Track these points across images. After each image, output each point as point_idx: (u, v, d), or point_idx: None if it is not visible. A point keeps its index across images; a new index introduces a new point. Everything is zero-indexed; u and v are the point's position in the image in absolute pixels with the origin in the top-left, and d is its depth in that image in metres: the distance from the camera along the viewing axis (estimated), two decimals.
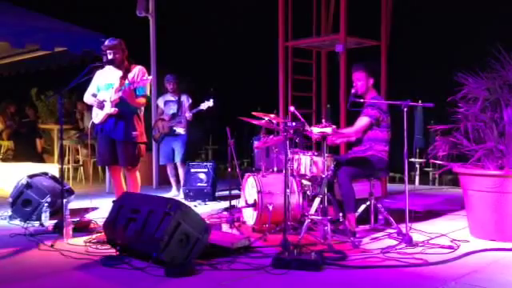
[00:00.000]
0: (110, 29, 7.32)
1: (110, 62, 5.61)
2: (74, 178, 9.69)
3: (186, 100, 7.68)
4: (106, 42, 5.65)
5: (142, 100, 5.66)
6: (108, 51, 5.61)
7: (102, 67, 5.71)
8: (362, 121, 5.22)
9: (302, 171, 5.26)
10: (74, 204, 6.44)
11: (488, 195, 4.94)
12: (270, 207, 5.24)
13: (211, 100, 7.19)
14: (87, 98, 5.81)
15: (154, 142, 8.40)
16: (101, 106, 5.58)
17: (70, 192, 6.41)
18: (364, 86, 5.27)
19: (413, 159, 9.03)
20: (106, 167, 7.25)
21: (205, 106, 7.24)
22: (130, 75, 5.61)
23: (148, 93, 5.75)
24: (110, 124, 5.60)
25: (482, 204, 4.99)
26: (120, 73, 5.61)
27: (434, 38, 9.14)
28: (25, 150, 10.86)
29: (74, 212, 5.90)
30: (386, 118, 5.23)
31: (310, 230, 5.05)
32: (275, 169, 5.83)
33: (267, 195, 5.32)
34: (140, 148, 5.70)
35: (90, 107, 9.62)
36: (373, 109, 5.20)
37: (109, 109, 5.53)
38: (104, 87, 5.67)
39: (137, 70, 5.67)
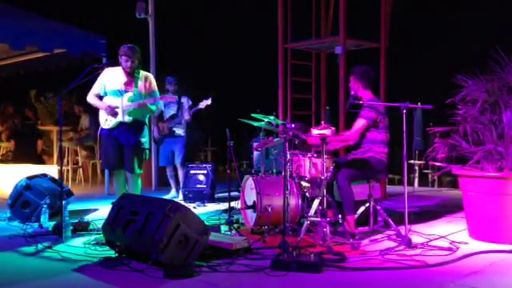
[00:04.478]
0: (109, 30, 7.33)
1: (111, 65, 5.61)
2: (73, 180, 9.68)
3: (186, 102, 7.67)
4: (125, 48, 5.55)
5: (156, 109, 5.78)
6: (124, 57, 5.54)
7: (101, 69, 5.67)
8: (359, 123, 5.22)
9: (302, 173, 5.26)
10: (73, 205, 6.43)
11: (487, 197, 4.94)
12: (269, 209, 5.23)
13: (210, 98, 7.19)
14: (91, 98, 5.73)
15: (153, 144, 8.40)
16: (113, 113, 5.55)
17: (70, 193, 6.41)
18: (356, 89, 5.29)
19: (412, 161, 9.03)
20: (106, 170, 7.26)
21: (203, 104, 7.23)
22: (140, 83, 5.61)
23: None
24: (120, 129, 5.60)
25: (481, 206, 4.99)
26: (132, 80, 5.62)
27: (434, 40, 9.16)
28: (24, 151, 10.82)
29: (73, 213, 5.91)
30: (384, 119, 5.23)
31: (309, 231, 5.05)
32: (274, 170, 5.83)
33: (266, 197, 5.31)
34: (146, 153, 5.76)
35: (87, 109, 9.58)
36: (370, 110, 5.20)
37: (121, 117, 5.54)
38: (112, 93, 5.62)
39: (150, 78, 5.72)
